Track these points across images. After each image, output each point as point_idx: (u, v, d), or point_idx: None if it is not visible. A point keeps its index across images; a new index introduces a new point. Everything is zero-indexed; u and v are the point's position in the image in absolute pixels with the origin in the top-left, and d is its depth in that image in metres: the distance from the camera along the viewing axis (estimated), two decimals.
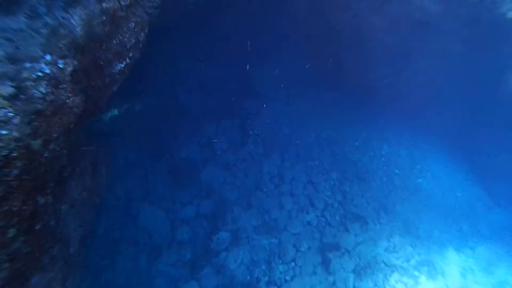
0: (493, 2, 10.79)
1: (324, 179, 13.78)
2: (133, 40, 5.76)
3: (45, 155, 4.10)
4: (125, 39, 5.51)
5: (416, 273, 11.96)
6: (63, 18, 4.27)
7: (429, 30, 12.07)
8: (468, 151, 15.95)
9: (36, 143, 3.75)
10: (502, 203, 15.16)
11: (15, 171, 3.53)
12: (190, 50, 14.99)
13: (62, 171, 5.88)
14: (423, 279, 11.88)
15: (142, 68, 8.12)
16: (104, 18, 4.80)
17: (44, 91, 3.78)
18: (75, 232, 6.73)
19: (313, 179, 13.67)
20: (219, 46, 14.87)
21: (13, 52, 3.68)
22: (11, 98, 3.43)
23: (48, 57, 3.95)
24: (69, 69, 4.22)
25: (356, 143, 15.50)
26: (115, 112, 13.14)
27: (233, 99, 14.86)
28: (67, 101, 4.24)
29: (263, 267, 11.48)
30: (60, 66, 4.07)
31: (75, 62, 4.36)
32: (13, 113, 3.42)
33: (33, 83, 3.68)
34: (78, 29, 4.41)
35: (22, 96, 3.54)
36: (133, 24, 5.62)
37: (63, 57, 4.14)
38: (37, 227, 4.36)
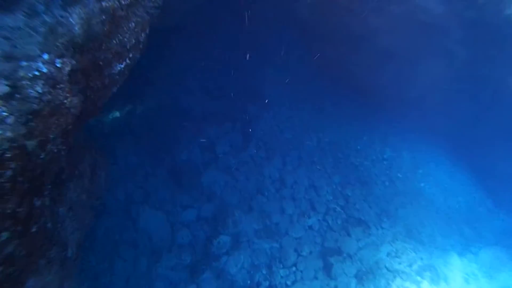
0: (498, 4, 10.70)
1: (326, 183, 13.70)
2: (134, 41, 5.67)
3: (41, 156, 4.01)
4: (125, 39, 5.43)
5: (418, 278, 11.86)
6: (61, 16, 4.19)
7: (433, 31, 11.99)
8: (471, 155, 15.85)
9: (31, 144, 3.65)
10: (505, 207, 15.05)
11: (9, 172, 3.44)
12: (191, 52, 14.96)
13: (60, 173, 5.81)
14: (425, 284, 11.77)
15: (143, 69, 8.08)
16: (103, 17, 4.72)
17: (40, 91, 3.69)
18: (73, 235, 6.63)
19: (315, 183, 13.59)
20: (222, 48, 14.84)
21: (10, 50, 3.61)
22: (5, 97, 3.34)
23: (45, 56, 3.86)
24: (67, 68, 4.13)
25: (358, 147, 15.44)
26: (116, 114, 13.15)
27: (235, 101, 14.81)
28: (65, 101, 4.14)
29: (264, 272, 11.39)
30: (57, 65, 3.98)
31: (73, 62, 4.27)
32: (7, 113, 3.33)
33: (29, 82, 3.59)
34: (76, 28, 4.32)
35: (18, 96, 3.45)
36: (133, 24, 5.53)
37: (61, 56, 4.05)
38: (33, 230, 4.26)
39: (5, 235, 3.61)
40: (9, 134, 3.35)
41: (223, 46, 14.80)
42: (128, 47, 5.59)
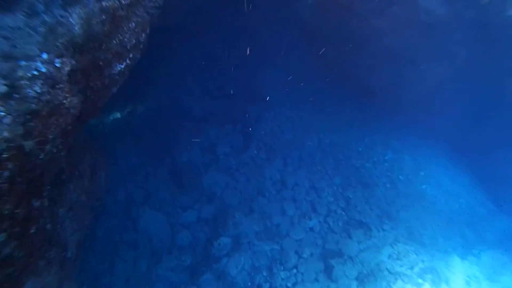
0: (500, 5, 10.66)
1: (327, 185, 13.67)
2: (134, 41, 5.64)
3: (40, 157, 3.97)
4: (126, 39, 5.40)
5: (420, 280, 11.80)
6: (61, 16, 4.16)
7: (434, 32, 11.96)
8: (472, 157, 15.83)
9: (29, 144, 3.61)
10: (506, 209, 15.01)
11: (6, 173, 3.40)
12: (192, 52, 14.95)
13: (60, 173, 5.78)
14: (427, 286, 11.73)
15: (144, 69, 8.05)
16: (103, 17, 4.69)
17: (39, 91, 3.65)
18: (73, 236, 6.60)
19: (316, 185, 13.57)
20: (222, 48, 14.81)
21: (9, 50, 3.58)
22: (3, 97, 3.31)
23: (44, 56, 3.83)
24: (67, 68, 4.10)
25: (360, 149, 15.42)
26: (117, 114, 13.14)
27: (235, 102, 14.79)
28: (64, 101, 4.11)
29: (265, 274, 11.35)
30: (57, 65, 3.94)
31: (73, 62, 4.24)
32: (4, 113, 3.30)
33: (28, 82, 3.56)
34: (76, 28, 4.29)
35: (16, 95, 3.42)
36: (133, 24, 5.50)
37: (60, 56, 4.02)
38: (32, 231, 4.22)
39: (2, 236, 3.58)
40: (6, 134, 3.31)
41: (224, 46, 14.76)
42: (128, 47, 5.56)
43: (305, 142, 15.03)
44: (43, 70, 3.76)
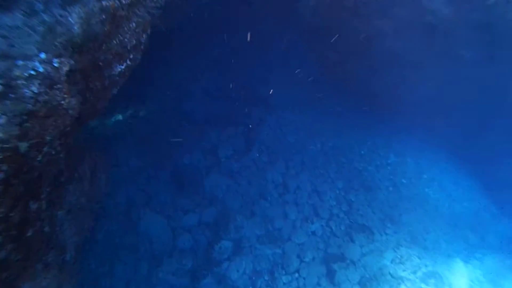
0: (505, 7, 10.56)
1: (329, 188, 13.58)
2: (134, 41, 5.58)
3: (38, 158, 3.91)
4: (126, 39, 5.33)
5: (423, 285, 11.68)
6: (60, 16, 4.10)
7: (438, 34, 11.87)
8: (475, 160, 15.72)
9: (24, 145, 3.53)
10: (510, 213, 14.89)
11: (1, 175, 3.33)
12: (194, 54, 14.92)
13: (59, 175, 5.71)
14: None
15: (145, 71, 7.99)
16: (103, 16, 4.62)
17: (36, 91, 3.58)
18: (72, 239, 6.53)
19: (318, 188, 13.48)
20: (224, 50, 14.78)
21: (6, 49, 3.51)
22: None
23: (42, 55, 3.76)
24: (65, 68, 4.03)
25: (362, 152, 15.33)
26: (119, 117, 13.12)
27: (237, 104, 14.75)
28: (62, 102, 4.03)
29: (266, 278, 11.26)
30: (55, 65, 3.87)
31: (72, 62, 4.17)
32: None
33: (24, 82, 3.48)
34: (76, 28, 4.23)
35: (12, 95, 3.35)
36: (134, 24, 5.44)
37: (58, 56, 3.95)
38: (29, 234, 4.15)
39: None
40: (0, 135, 3.24)
41: (226, 48, 14.74)
42: (128, 47, 5.50)
43: (308, 145, 14.96)
44: (41, 70, 3.69)
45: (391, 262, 12.06)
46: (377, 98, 14.04)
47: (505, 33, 11.17)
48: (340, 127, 15.89)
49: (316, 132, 15.48)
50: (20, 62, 3.54)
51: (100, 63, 5.03)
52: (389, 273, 11.72)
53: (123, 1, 4.99)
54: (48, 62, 3.81)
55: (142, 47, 5.98)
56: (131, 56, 5.71)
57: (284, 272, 11.43)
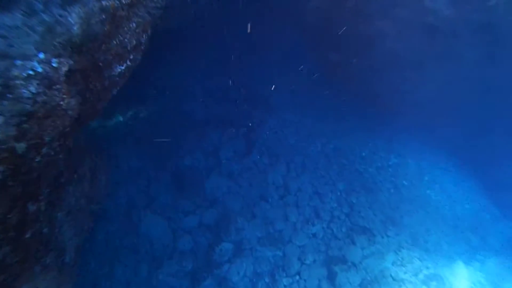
0: (507, 7, 10.51)
1: (330, 190, 13.53)
2: (135, 42, 5.54)
3: (37, 159, 3.87)
4: (126, 40, 5.30)
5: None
6: (60, 15, 4.07)
7: (439, 34, 11.83)
8: (476, 161, 15.68)
9: (21, 146, 3.50)
10: (511, 214, 14.82)
11: None
12: (195, 55, 14.90)
13: (59, 176, 5.67)
14: None
15: (145, 72, 7.96)
16: (103, 16, 4.59)
17: (34, 91, 3.55)
18: (71, 240, 6.49)
19: (319, 190, 13.43)
20: (225, 51, 14.75)
21: (5, 49, 3.49)
22: None
23: (41, 56, 3.74)
24: (64, 69, 4.00)
25: (363, 154, 15.29)
26: (120, 118, 13.11)
27: (238, 106, 14.73)
28: (61, 103, 4.00)
29: (267, 280, 11.21)
30: (54, 65, 3.85)
31: (71, 62, 4.14)
32: None
33: (23, 82, 3.45)
34: (75, 28, 4.20)
35: (10, 95, 3.31)
36: (134, 24, 5.41)
37: (57, 56, 3.92)
38: (27, 235, 4.11)
39: None
40: None
41: (227, 49, 14.71)
42: (129, 48, 5.47)
43: (308, 147, 14.93)
44: (39, 70, 3.66)
45: (393, 264, 12.00)
46: (378, 99, 14.00)
47: (506, 33, 11.12)
48: (341, 129, 15.85)
49: (317, 134, 15.44)
50: (19, 62, 3.52)
51: (100, 64, 5.00)
52: (391, 276, 11.66)
53: (123, 1, 4.96)
54: (47, 62, 3.78)
55: (142, 47, 5.95)
56: (131, 57, 5.67)
57: (285, 274, 11.38)
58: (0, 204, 3.41)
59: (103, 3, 4.57)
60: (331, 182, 13.83)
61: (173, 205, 12.21)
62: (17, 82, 3.41)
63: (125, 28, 5.23)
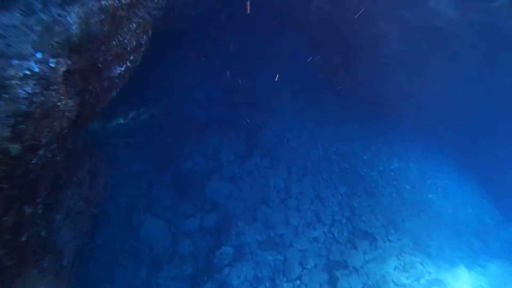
0: (510, 9, 10.43)
1: (331, 194, 13.45)
2: (135, 43, 5.48)
3: (33, 161, 3.80)
4: (126, 40, 5.24)
5: None
6: (59, 15, 4.02)
7: (444, 36, 11.76)
8: (479, 165, 15.57)
9: (15, 148, 3.42)
10: None
11: None
12: (197, 58, 14.86)
13: (57, 179, 5.61)
14: None
15: (146, 73, 7.91)
16: (103, 16, 4.53)
17: (30, 91, 3.48)
18: (70, 243, 6.42)
19: (320, 194, 13.36)
20: (226, 53, 14.72)
21: (2, 48, 3.43)
22: None
23: (38, 55, 3.68)
24: (62, 69, 3.93)
25: (365, 157, 15.20)
26: (121, 121, 13.08)
27: (239, 109, 14.69)
28: (59, 104, 3.93)
29: (267, 285, 11.13)
30: (51, 65, 3.78)
31: (69, 62, 4.07)
32: None
33: (19, 82, 3.39)
34: (74, 27, 4.14)
35: (5, 95, 3.25)
36: (134, 25, 5.35)
37: (55, 56, 3.86)
38: (23, 238, 4.04)
39: None
40: None
41: (228, 50, 14.68)
42: (128, 49, 5.41)
43: (310, 150, 14.86)
44: (36, 70, 3.59)
45: (394, 269, 11.90)
46: (380, 102, 13.93)
47: (510, 35, 11.04)
48: (343, 132, 15.78)
49: (318, 137, 15.37)
50: (15, 62, 3.46)
51: (99, 64, 4.94)
52: (392, 281, 11.57)
53: (123, 1, 4.91)
54: (44, 62, 3.72)
55: (142, 48, 5.89)
56: (131, 58, 5.61)
57: (285, 279, 11.30)
58: None
59: (103, 3, 4.51)
60: (332, 186, 13.76)
61: (174, 208, 12.15)
62: (13, 82, 3.35)
63: (125, 29, 5.17)
